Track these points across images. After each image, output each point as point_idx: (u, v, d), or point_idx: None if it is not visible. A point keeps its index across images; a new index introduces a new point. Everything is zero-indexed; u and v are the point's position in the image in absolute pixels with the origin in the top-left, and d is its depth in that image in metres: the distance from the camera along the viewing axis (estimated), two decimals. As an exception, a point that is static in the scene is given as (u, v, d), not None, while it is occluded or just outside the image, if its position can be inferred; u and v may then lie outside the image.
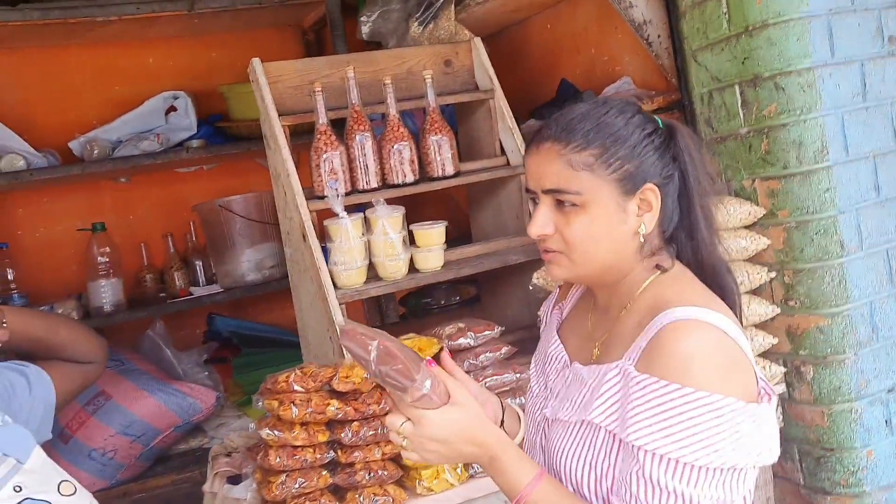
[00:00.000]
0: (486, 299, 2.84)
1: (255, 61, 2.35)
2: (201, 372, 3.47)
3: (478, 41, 2.57)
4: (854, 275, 2.07)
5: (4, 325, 1.05)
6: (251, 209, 3.47)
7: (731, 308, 1.12)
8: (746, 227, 2.17)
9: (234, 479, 2.01)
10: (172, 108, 3.60)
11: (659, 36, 2.45)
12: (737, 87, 2.15)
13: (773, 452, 1.03)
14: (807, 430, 2.17)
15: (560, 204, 1.11)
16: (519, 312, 2.53)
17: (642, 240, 1.13)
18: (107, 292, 3.30)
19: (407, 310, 3.76)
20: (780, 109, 2.05)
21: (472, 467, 1.88)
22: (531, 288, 2.19)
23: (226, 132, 3.62)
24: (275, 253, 3.52)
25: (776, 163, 2.09)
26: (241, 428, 3.38)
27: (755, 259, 2.18)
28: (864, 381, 2.09)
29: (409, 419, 1.06)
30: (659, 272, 1.15)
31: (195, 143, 3.48)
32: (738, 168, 2.20)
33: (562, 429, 1.14)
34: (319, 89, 2.21)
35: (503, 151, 2.51)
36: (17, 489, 1.05)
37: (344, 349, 1.08)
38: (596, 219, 1.10)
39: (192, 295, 3.55)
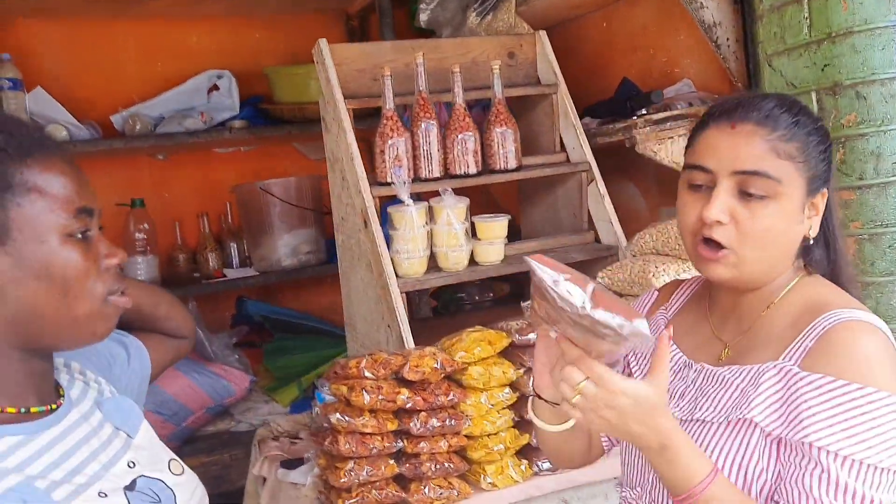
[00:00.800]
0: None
1: (322, 42, 2.32)
2: (231, 355, 3.44)
3: (543, 34, 2.54)
4: (928, 290, 2.04)
5: (126, 292, 1.01)
6: (291, 193, 3.44)
7: None
8: (815, 237, 2.14)
9: (288, 464, 1.98)
10: (215, 87, 3.57)
11: (728, 39, 2.41)
12: (813, 94, 2.11)
13: None
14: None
15: (744, 192, 1.05)
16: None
17: (811, 242, 1.11)
18: (143, 269, 3.27)
19: (439, 304, 3.73)
20: (859, 119, 2.02)
21: (536, 465, 1.85)
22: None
23: (267, 114, 3.58)
24: (312, 239, 3.50)
25: (852, 173, 2.06)
26: (269, 413, 3.36)
27: (823, 270, 2.15)
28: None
29: (588, 378, 0.95)
30: (803, 274, 1.12)
31: (237, 123, 3.44)
32: (808, 176, 2.17)
33: (703, 429, 1.09)
34: (388, 73, 2.18)
35: (563, 147, 2.48)
36: (131, 465, 1.01)
37: (534, 274, 0.94)
38: (784, 213, 1.05)
39: (224, 277, 3.52)
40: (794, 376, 1.01)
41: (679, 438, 0.98)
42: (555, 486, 1.84)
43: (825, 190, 1.10)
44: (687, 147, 1.15)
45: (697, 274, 2.11)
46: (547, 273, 0.93)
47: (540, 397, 1.11)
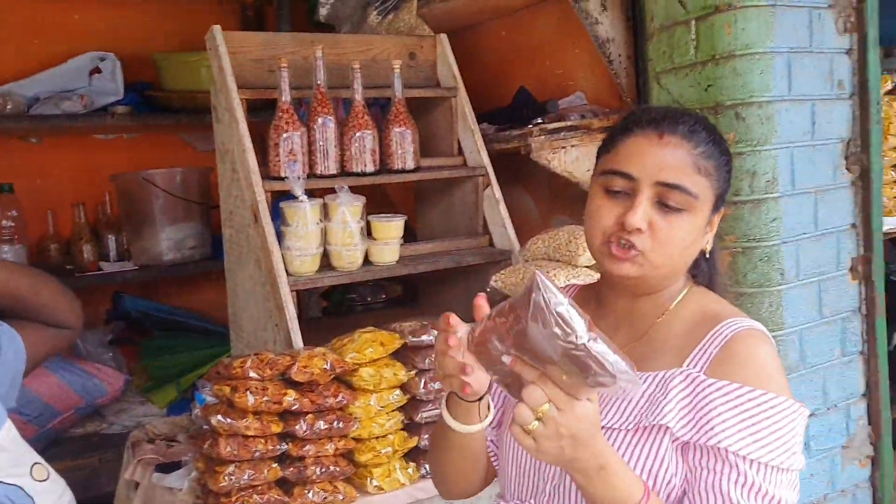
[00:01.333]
0: (424, 300, 2.81)
1: (216, 28, 2.23)
2: (105, 353, 3.26)
3: (444, 38, 2.54)
4: (789, 303, 2.18)
5: None
6: (176, 184, 3.29)
7: None
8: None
9: (164, 468, 1.88)
10: (97, 70, 3.37)
11: (620, 55, 2.50)
12: (697, 113, 2.22)
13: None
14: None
15: (663, 203, 1.07)
16: (462, 315, 2.50)
17: (707, 256, 1.16)
18: (8, 258, 3.03)
19: (330, 305, 3.68)
20: (738, 138, 2.13)
21: (423, 468, 1.84)
22: (488, 291, 2.17)
23: (153, 101, 3.41)
24: (198, 233, 3.36)
25: (730, 189, 2.17)
26: (145, 415, 3.20)
27: (699, 280, 2.26)
28: (789, 403, 2.20)
29: (554, 403, 0.89)
30: (692, 284, 1.17)
31: (121, 108, 3.26)
32: (690, 191, 2.27)
33: (611, 437, 1.07)
34: (285, 66, 2.12)
35: (460, 151, 2.49)
36: (-14, 467, 0.92)
37: (537, 290, 0.85)
38: (694, 226, 1.09)
39: (101, 270, 3.32)
40: (702, 383, 1.04)
41: (615, 458, 0.95)
42: (441, 489, 1.83)
43: (723, 208, 1.15)
44: (604, 152, 1.15)
45: (586, 280, 2.16)
46: (554, 293, 0.85)
47: (460, 397, 1.06)
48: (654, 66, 2.35)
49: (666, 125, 1.09)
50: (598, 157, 1.17)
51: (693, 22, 2.18)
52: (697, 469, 1.03)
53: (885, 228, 2.37)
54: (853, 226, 2.30)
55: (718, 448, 1.01)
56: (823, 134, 2.21)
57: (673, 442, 1.04)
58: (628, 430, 1.06)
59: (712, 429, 1.01)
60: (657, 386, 1.07)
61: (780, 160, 2.13)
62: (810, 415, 2.22)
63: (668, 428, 1.04)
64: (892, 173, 2.54)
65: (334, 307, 3.58)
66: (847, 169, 2.27)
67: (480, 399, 1.08)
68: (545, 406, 0.88)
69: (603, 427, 1.05)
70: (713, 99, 2.16)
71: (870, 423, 2.35)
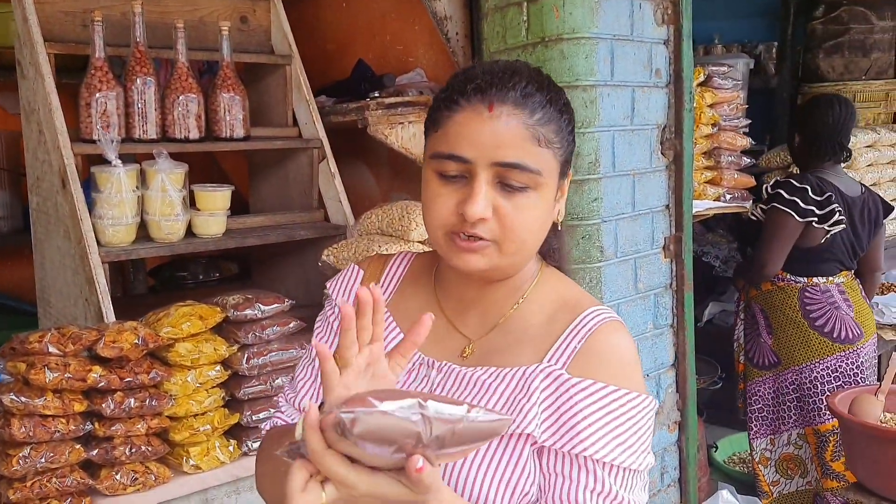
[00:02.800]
0: (257, 276, 2.72)
1: (20, -26, 2.02)
2: None
3: (278, 2, 2.45)
4: (608, 278, 2.30)
5: None
6: (-21, 149, 2.98)
7: None
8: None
9: (-50, 456, 1.70)
10: None
11: (458, 33, 2.52)
12: (528, 94, 2.28)
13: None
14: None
15: (504, 184, 0.93)
16: (295, 291, 2.45)
17: (560, 228, 1.03)
18: None
19: (157, 282, 3.47)
20: (564, 119, 2.21)
21: (246, 444, 1.78)
22: (320, 265, 2.13)
23: (-48, 55, 3.07)
24: (5, 203, 3.07)
25: (556, 168, 2.25)
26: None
27: (527, 256, 2.33)
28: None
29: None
30: (544, 265, 1.05)
31: (-89, 61, 2.90)
32: (520, 169, 2.34)
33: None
34: (99, 19, 1.96)
35: (295, 122, 2.42)
36: None
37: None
38: (544, 202, 0.95)
39: None
40: (566, 382, 0.94)
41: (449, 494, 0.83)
42: (264, 466, 1.78)
43: (570, 171, 1.01)
44: (432, 130, 0.99)
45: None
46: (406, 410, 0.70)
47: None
48: (488, 46, 2.39)
49: (494, 94, 0.93)
50: (426, 135, 1.01)
51: (525, 4, 2.23)
52: (553, 476, 0.93)
53: (694, 210, 2.56)
54: (666, 207, 2.46)
55: (583, 456, 0.92)
56: (642, 119, 2.34)
57: (532, 446, 0.94)
58: (514, 439, 0.94)
59: (577, 434, 0.91)
60: (518, 385, 0.96)
61: (602, 143, 2.23)
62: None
63: (529, 434, 0.93)
64: (703, 159, 2.73)
65: (162, 285, 3.39)
66: (662, 153, 2.42)
67: None
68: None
69: None
70: (542, 80, 2.23)
71: (677, 391, 2.54)
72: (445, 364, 1.00)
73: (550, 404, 0.93)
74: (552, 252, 1.07)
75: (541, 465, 0.94)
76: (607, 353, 0.95)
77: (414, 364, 1.02)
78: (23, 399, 1.47)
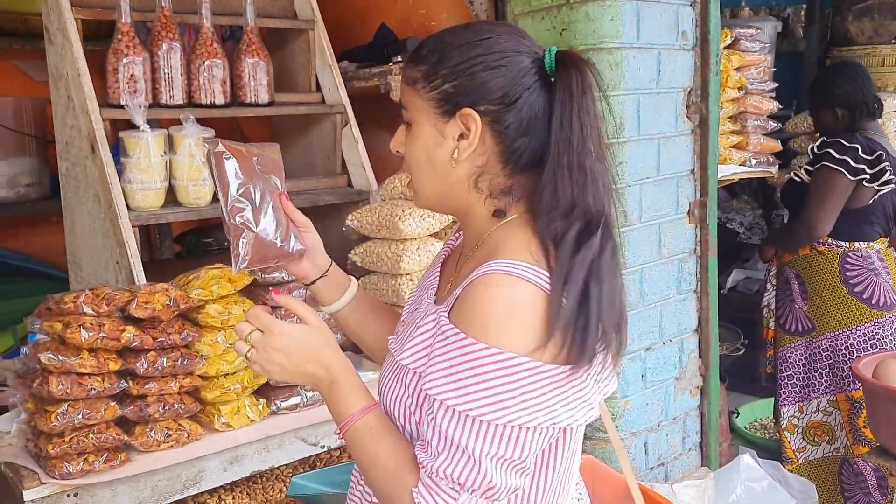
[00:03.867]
0: (281, 240, 2.74)
1: (46, -61, 2.03)
2: (-72, 299, 2.98)
3: (301, -34, 2.44)
4: (632, 243, 2.29)
5: None
6: (8, 116, 3.02)
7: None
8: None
9: (-9, 413, 1.75)
10: None
11: (481, -4, 2.50)
12: (552, 57, 2.26)
13: (572, 416, 0.98)
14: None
15: (407, 123, 1.08)
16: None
17: (478, 171, 1.05)
18: None
19: (183, 248, 3.52)
20: (589, 83, 2.19)
21: (275, 404, 1.81)
22: (344, 230, 2.15)
23: (-21, 23, 3.10)
24: (33, 170, 3.11)
25: (580, 132, 2.24)
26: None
27: (550, 221, 2.33)
28: (629, 338, 2.32)
29: (258, 329, 1.05)
30: (514, 219, 1.06)
31: (-60, 28, 2.94)
32: (544, 134, 2.33)
33: (388, 361, 1.13)
34: (126, -16, 1.97)
35: (318, 88, 2.43)
36: None
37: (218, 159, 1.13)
38: (417, 139, 1.07)
39: (-79, 208, 3.02)
40: (441, 324, 1.01)
41: (345, 374, 1.06)
42: (292, 425, 1.82)
43: (470, 109, 1.02)
44: None
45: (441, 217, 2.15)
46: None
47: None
48: (512, 8, 2.37)
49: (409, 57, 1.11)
50: None
51: (550, -35, 2.20)
52: (419, 412, 1.03)
53: (719, 175, 2.54)
54: (692, 171, 2.44)
55: (426, 393, 0.99)
56: (667, 82, 2.32)
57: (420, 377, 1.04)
58: (400, 365, 1.08)
59: (428, 372, 1.00)
60: (420, 319, 1.08)
61: (628, 106, 2.22)
62: (647, 349, 2.39)
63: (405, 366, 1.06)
64: (728, 123, 2.70)
65: (188, 252, 3.43)
66: (688, 117, 2.40)
67: (314, 282, 1.26)
68: (251, 335, 1.05)
69: (389, 351, 1.14)
70: (567, 43, 2.21)
71: (700, 357, 2.55)
72: (430, 297, 1.14)
73: (429, 344, 1.03)
74: (516, 202, 1.08)
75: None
76: (470, 303, 0.98)
77: (428, 297, 1.16)
78: (60, 358, 1.50)
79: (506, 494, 0.99)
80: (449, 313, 1.00)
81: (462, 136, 1.03)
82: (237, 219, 1.13)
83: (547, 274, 0.98)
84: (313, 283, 1.26)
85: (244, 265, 1.14)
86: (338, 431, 1.06)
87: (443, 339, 0.98)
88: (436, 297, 1.14)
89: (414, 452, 1.02)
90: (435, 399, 0.97)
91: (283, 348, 1.04)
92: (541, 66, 1.04)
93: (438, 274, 1.20)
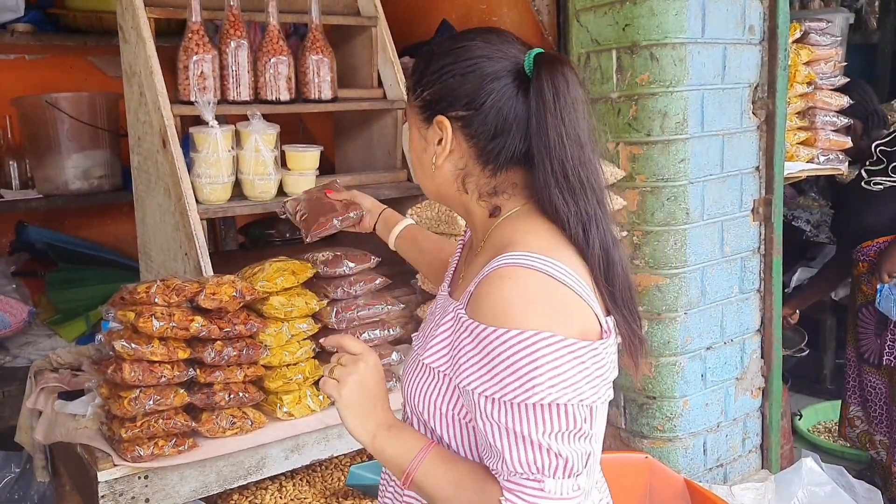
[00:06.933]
0: (340, 234, 2.78)
1: (122, -59, 2.10)
2: (8, 284, 3.13)
3: (365, -36, 2.47)
4: (693, 241, 2.26)
5: None
6: (83, 110, 3.13)
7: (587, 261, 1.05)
8: (606, 188, 2.29)
9: (67, 396, 1.84)
10: (-6, -16, 3.15)
11: (543, -9, 2.49)
12: (614, 53, 2.24)
13: (595, 393, 1.00)
14: (633, 379, 2.36)
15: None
16: (379, 249, 2.50)
17: (462, 174, 1.09)
18: None
19: (247, 239, 3.61)
20: (652, 79, 2.17)
21: (334, 394, 1.85)
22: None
23: (58, 21, 3.22)
24: (106, 162, 3.23)
25: (641, 129, 2.22)
26: (52, 348, 3.10)
27: (610, 218, 2.32)
28: (689, 337, 2.30)
29: (352, 353, 1.12)
30: (518, 210, 1.09)
31: (21, 26, 3.07)
32: (604, 131, 2.31)
33: (412, 357, 1.13)
34: (196, -16, 2.03)
35: (380, 84, 2.46)
36: None
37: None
38: (412, 144, 1.15)
39: (2, 198, 3.16)
40: (461, 320, 1.02)
41: (398, 422, 1.10)
42: (352, 416, 1.85)
43: (441, 116, 1.06)
44: None
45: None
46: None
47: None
48: (574, 4, 2.35)
49: None
50: None
51: (613, -40, 2.18)
52: (446, 406, 1.06)
53: (786, 173, 2.48)
54: (756, 169, 2.39)
55: (464, 388, 1.00)
56: (733, 78, 2.27)
57: (446, 376, 1.06)
58: (424, 364, 1.09)
59: (460, 367, 1.00)
60: (439, 318, 1.10)
61: (691, 102, 2.19)
62: (708, 348, 2.35)
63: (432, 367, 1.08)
64: (796, 119, 2.63)
65: (252, 243, 3.52)
66: (754, 113, 2.35)
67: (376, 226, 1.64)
68: (342, 359, 1.12)
69: (413, 349, 1.16)
70: (630, 38, 2.19)
71: (762, 357, 2.50)
72: (445, 290, 1.20)
73: (450, 342, 1.04)
74: (516, 199, 1.12)
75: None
76: (486, 297, 0.99)
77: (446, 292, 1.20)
78: (133, 345, 1.57)
79: (584, 463, 0.99)
80: (465, 309, 1.02)
81: (440, 141, 1.09)
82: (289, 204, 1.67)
83: (557, 262, 1.01)
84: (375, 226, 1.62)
85: (309, 228, 1.61)
86: (405, 473, 1.05)
87: (466, 333, 1.00)
88: (450, 290, 1.20)
89: (484, 464, 1.03)
90: (474, 392, 0.99)
91: (364, 377, 1.09)
92: (521, 69, 1.05)
93: (453, 269, 1.25)
